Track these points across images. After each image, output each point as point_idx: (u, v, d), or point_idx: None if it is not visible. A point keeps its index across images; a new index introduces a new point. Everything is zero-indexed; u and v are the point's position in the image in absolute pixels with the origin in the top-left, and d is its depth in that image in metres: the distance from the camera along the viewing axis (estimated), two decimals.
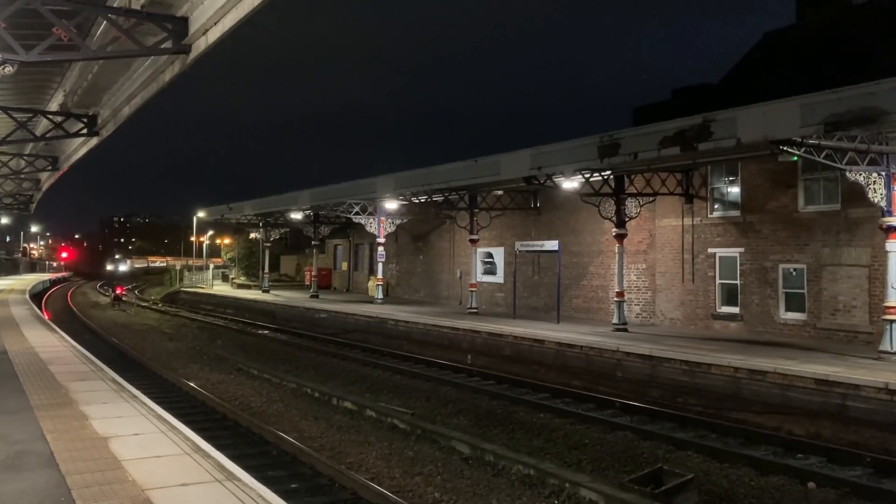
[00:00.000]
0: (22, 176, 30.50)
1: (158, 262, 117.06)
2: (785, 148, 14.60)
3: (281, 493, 6.54)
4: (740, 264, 20.81)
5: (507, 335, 20.58)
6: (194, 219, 59.77)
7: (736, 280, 20.96)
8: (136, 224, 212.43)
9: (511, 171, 22.38)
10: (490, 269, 31.22)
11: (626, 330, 20.84)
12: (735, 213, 21.13)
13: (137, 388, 11.20)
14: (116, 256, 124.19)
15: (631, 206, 21.64)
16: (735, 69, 25.87)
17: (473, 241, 28.05)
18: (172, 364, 19.42)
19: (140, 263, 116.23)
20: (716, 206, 21.85)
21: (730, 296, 21.26)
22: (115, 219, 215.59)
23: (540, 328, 21.43)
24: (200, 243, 70.17)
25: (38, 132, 19.75)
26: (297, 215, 38.85)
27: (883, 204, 15.02)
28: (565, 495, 8.66)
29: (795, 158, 16.84)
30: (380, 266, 33.45)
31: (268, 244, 45.72)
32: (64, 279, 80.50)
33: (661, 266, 23.35)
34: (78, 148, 22.89)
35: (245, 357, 20.55)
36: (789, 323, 19.48)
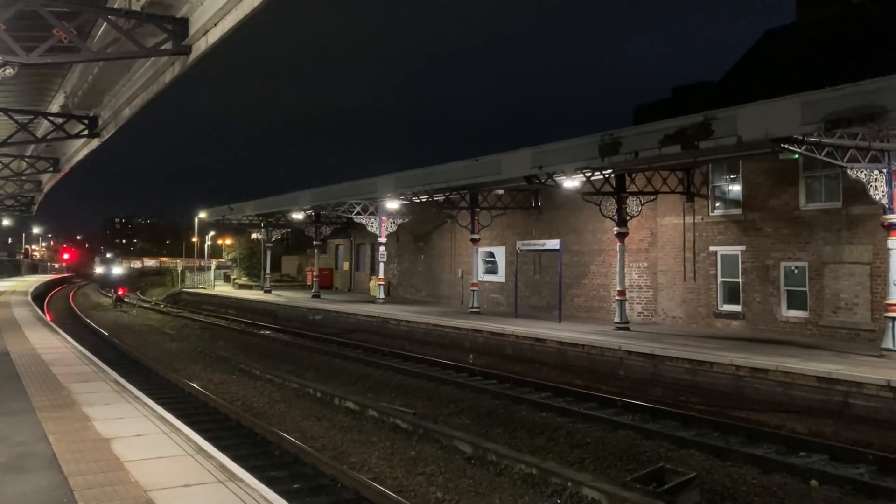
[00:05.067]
0: (23, 177, 30.54)
1: (153, 262, 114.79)
2: (786, 146, 14.60)
3: (283, 494, 6.54)
4: (742, 262, 20.79)
5: (509, 334, 20.58)
6: (196, 219, 59.82)
7: (737, 278, 20.94)
8: (137, 225, 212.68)
9: (512, 170, 22.38)
10: (491, 269, 31.23)
11: (627, 328, 20.84)
12: (736, 211, 21.11)
13: (139, 390, 11.22)
14: (107, 255, 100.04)
15: (632, 204, 21.63)
16: (736, 67, 25.84)
17: (475, 241, 28.05)
18: (174, 365, 19.43)
19: (137, 264, 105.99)
20: (717, 205, 21.84)
21: (731, 294, 21.25)
22: (117, 220, 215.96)
23: (542, 327, 21.43)
24: (202, 244, 70.21)
25: (39, 134, 19.78)
26: (298, 216, 38.89)
27: (884, 201, 15.01)
28: (568, 494, 8.65)
29: (796, 156, 16.84)
30: (381, 266, 33.47)
31: (269, 244, 45.75)
32: (66, 280, 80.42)
33: (662, 264, 23.34)
34: (79, 149, 22.91)
35: (247, 357, 20.55)
36: (791, 321, 19.46)
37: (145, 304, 46.19)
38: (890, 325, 15.04)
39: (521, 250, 26.48)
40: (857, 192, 16.57)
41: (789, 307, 19.64)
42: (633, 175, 21.68)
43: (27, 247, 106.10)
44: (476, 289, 27.86)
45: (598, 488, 8.49)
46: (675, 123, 16.76)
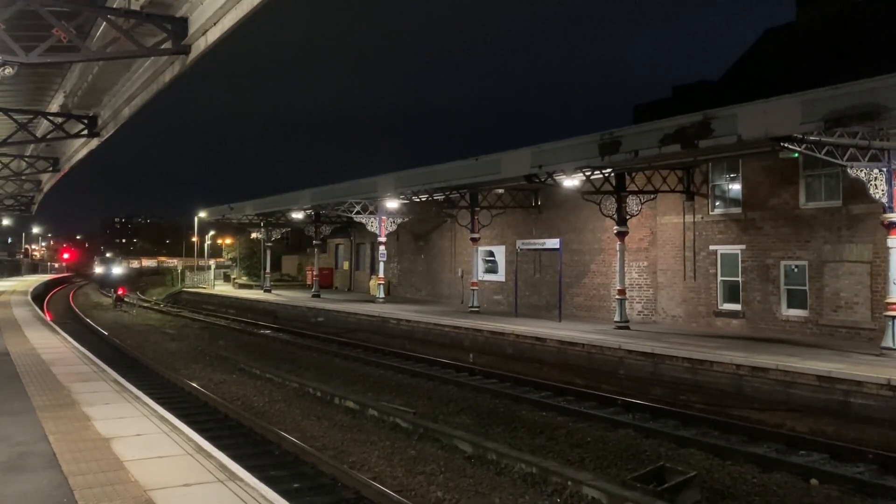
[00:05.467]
0: (23, 177, 30.55)
1: (150, 262, 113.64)
2: (786, 144, 14.61)
3: (283, 493, 6.54)
4: (742, 261, 20.79)
5: (509, 333, 20.58)
6: (196, 219, 59.82)
7: (737, 277, 20.94)
8: (137, 225, 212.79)
9: (512, 169, 22.38)
10: (491, 268, 31.23)
11: (627, 328, 20.84)
12: (736, 209, 21.11)
13: (139, 389, 11.21)
14: (107, 255, 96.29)
15: (632, 203, 21.63)
16: (735, 66, 25.84)
17: (475, 240, 28.05)
18: (174, 364, 19.42)
19: (134, 264, 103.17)
20: (717, 203, 21.83)
21: (731, 293, 21.24)
22: (117, 220, 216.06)
23: (542, 326, 21.42)
24: (202, 244, 70.20)
25: (39, 133, 19.77)
26: (298, 215, 38.89)
27: (884, 200, 15.01)
28: (568, 493, 8.65)
29: (796, 155, 16.86)
30: (381, 265, 33.47)
31: (269, 244, 45.75)
32: (66, 280, 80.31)
33: (662, 263, 23.33)
34: (79, 149, 22.91)
35: (247, 357, 20.54)
36: (791, 320, 19.46)
37: (145, 304, 46.18)
38: (890, 323, 15.04)
39: (521, 249, 26.48)
40: (857, 190, 16.57)
41: (789, 306, 19.64)
42: (633, 174, 21.68)
43: (27, 246, 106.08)
44: (476, 288, 27.87)
45: (598, 487, 8.49)
46: (675, 122, 16.76)
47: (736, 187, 21.29)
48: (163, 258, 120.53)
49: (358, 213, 33.01)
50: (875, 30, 20.77)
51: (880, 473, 9.90)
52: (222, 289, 52.41)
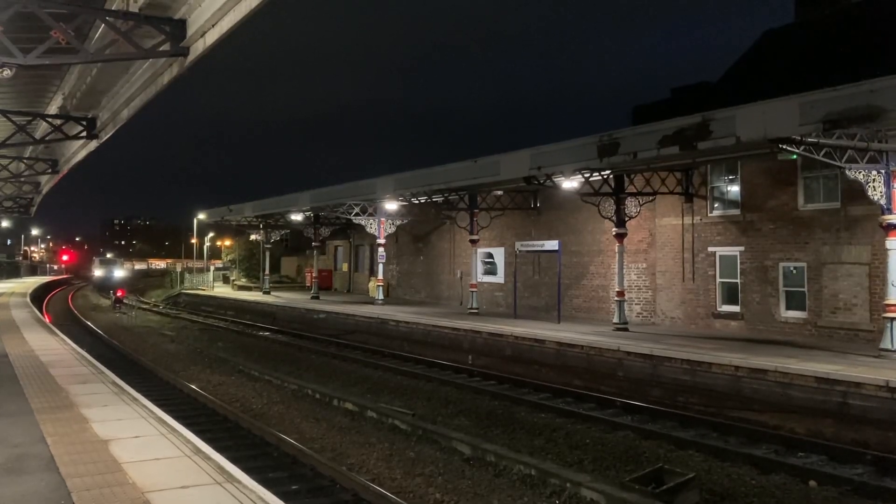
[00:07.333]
0: (22, 179, 30.55)
1: (142, 265, 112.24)
2: (784, 146, 14.60)
3: (281, 495, 6.54)
4: (740, 263, 20.80)
5: (508, 335, 20.57)
6: (195, 221, 59.80)
7: (736, 279, 20.94)
8: (136, 226, 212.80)
9: (511, 171, 22.39)
10: (490, 270, 31.22)
11: (626, 329, 20.83)
12: (735, 211, 21.11)
13: (138, 391, 11.21)
14: (107, 256, 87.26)
15: (631, 205, 21.63)
16: (734, 68, 25.86)
17: (474, 242, 28.04)
18: (173, 366, 19.41)
19: (133, 266, 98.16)
20: (716, 205, 21.83)
21: (730, 294, 21.24)
22: (116, 221, 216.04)
23: (541, 328, 21.42)
24: (201, 245, 70.10)
25: (38, 135, 19.77)
26: (297, 217, 38.89)
27: (883, 202, 15.02)
28: (566, 495, 8.65)
29: (795, 157, 16.84)
30: (380, 267, 33.46)
31: (268, 246, 45.76)
32: (65, 282, 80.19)
33: (661, 265, 23.34)
34: (77, 151, 22.90)
35: (246, 359, 20.54)
36: (790, 321, 19.46)
37: (144, 306, 46.16)
38: (888, 325, 15.04)
39: (520, 251, 26.48)
40: (856, 192, 16.57)
41: (788, 307, 19.64)
42: (632, 176, 21.69)
43: (26, 248, 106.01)
44: (475, 290, 27.86)
45: (596, 489, 8.49)
46: (674, 124, 16.78)
47: (735, 189, 21.30)
48: (156, 260, 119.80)
49: (357, 214, 33.00)
50: (874, 31, 20.79)
51: (879, 475, 9.90)
52: (221, 291, 52.38)
